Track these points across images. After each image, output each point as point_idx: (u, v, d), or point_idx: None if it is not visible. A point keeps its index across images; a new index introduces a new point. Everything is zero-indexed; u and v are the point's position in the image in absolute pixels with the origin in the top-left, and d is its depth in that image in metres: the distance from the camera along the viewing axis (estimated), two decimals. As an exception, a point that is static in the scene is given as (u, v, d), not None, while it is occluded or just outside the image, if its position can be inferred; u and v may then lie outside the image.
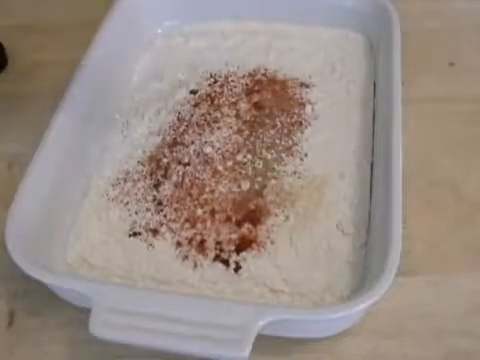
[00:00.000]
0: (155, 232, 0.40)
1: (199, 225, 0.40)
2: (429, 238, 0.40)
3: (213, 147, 0.44)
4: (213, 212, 0.40)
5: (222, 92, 0.49)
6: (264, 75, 0.50)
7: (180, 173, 0.43)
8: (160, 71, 0.51)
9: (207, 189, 0.42)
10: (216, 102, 0.48)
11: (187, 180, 0.42)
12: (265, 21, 0.54)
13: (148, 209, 0.41)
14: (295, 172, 0.42)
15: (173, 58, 0.52)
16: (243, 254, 0.38)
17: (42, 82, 0.52)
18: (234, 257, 0.38)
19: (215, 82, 0.49)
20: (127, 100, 0.49)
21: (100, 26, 0.48)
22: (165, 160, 0.44)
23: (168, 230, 0.40)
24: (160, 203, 0.41)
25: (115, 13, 0.50)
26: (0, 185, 0.44)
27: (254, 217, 0.40)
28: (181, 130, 0.46)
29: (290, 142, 0.44)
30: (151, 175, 0.43)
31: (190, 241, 0.39)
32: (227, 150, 0.44)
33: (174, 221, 0.40)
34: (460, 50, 0.53)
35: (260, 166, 0.43)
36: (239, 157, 0.43)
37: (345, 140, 0.44)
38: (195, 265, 0.38)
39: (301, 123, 0.46)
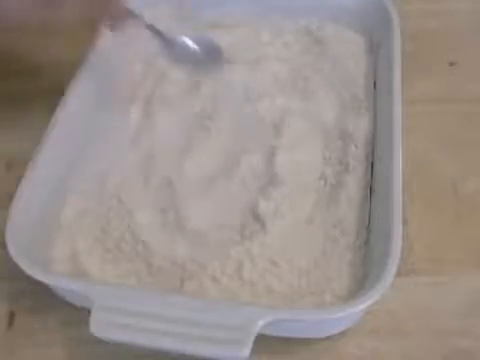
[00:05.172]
0: (155, 232, 0.40)
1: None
2: (429, 238, 0.40)
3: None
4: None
5: (223, 90, 0.49)
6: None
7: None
8: (160, 71, 0.51)
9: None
10: (217, 101, 0.48)
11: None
12: (265, 21, 0.54)
13: (148, 209, 0.41)
14: (295, 172, 0.43)
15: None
16: (243, 255, 0.38)
17: (42, 82, 0.52)
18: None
19: (215, 80, 0.50)
20: (127, 100, 0.49)
21: (100, 26, 0.48)
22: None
23: (168, 230, 0.40)
24: (160, 203, 0.41)
25: (115, 13, 0.50)
26: (0, 185, 0.44)
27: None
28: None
29: (290, 141, 0.44)
30: (151, 175, 0.43)
31: (190, 241, 0.39)
32: (225, 149, 0.44)
33: (174, 221, 0.40)
34: (460, 50, 0.53)
35: (261, 165, 0.43)
36: (241, 158, 0.43)
37: (345, 140, 0.45)
38: (195, 265, 0.38)
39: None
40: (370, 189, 0.41)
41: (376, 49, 0.51)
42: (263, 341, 0.31)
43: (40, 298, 0.38)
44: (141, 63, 0.52)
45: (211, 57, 0.47)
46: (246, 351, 0.30)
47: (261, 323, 0.31)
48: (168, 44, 0.44)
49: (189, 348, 0.31)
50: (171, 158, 0.44)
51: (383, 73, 0.46)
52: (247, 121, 0.46)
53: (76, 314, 0.36)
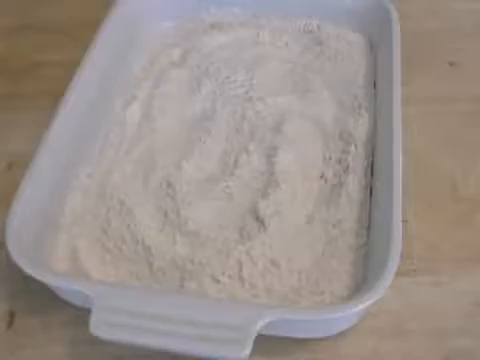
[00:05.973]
0: (155, 232, 0.40)
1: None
2: (429, 238, 0.40)
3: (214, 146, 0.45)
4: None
5: (223, 90, 0.49)
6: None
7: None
8: (160, 71, 0.51)
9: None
10: (217, 100, 0.48)
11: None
12: (265, 21, 0.54)
13: (148, 209, 0.41)
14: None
15: (173, 57, 0.52)
16: (243, 255, 0.38)
17: (42, 82, 0.52)
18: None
19: (216, 80, 0.50)
20: (127, 100, 0.49)
21: (100, 26, 0.48)
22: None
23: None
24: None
25: (115, 13, 0.50)
26: (0, 185, 0.44)
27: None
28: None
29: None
30: (151, 175, 0.43)
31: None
32: (225, 149, 0.44)
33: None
34: (460, 50, 0.53)
35: (261, 165, 0.43)
36: (241, 158, 0.43)
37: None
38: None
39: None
40: (370, 189, 0.41)
41: (376, 49, 0.51)
42: (263, 341, 0.31)
43: (40, 298, 0.38)
44: (141, 63, 0.52)
45: None
46: (246, 351, 0.30)
47: (261, 323, 0.31)
48: None
49: (189, 348, 0.30)
50: (171, 158, 0.44)
51: (383, 73, 0.46)
52: (247, 121, 0.46)
53: (76, 314, 0.36)
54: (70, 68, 0.45)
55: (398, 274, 0.32)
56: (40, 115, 0.43)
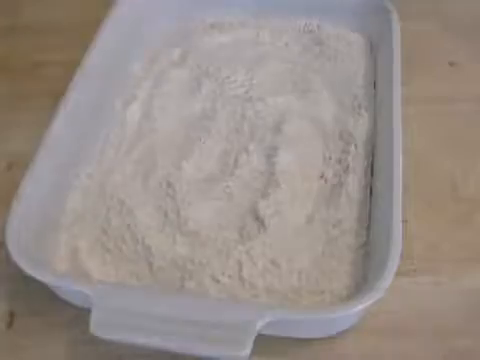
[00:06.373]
0: (155, 232, 0.40)
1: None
2: (429, 238, 0.40)
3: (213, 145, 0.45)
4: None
5: (223, 90, 0.49)
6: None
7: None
8: (160, 71, 0.51)
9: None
10: (217, 100, 0.48)
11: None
12: (265, 21, 0.54)
13: (148, 209, 0.41)
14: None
15: (173, 57, 0.52)
16: (243, 255, 0.38)
17: (42, 82, 0.52)
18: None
19: (215, 80, 0.50)
20: (127, 100, 0.49)
21: (100, 26, 0.48)
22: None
23: (168, 230, 0.40)
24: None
25: (115, 13, 0.50)
26: (0, 185, 0.44)
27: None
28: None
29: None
30: (151, 175, 0.43)
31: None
32: (225, 149, 0.44)
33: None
34: (460, 50, 0.53)
35: (261, 165, 0.43)
36: (241, 158, 0.43)
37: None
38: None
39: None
40: (370, 189, 0.41)
41: (376, 49, 0.51)
42: (263, 341, 0.31)
43: (40, 298, 0.38)
44: (141, 63, 0.52)
45: None
46: (246, 351, 0.30)
47: (261, 323, 0.31)
48: None
49: (189, 348, 0.30)
50: (171, 158, 0.44)
51: (383, 73, 0.46)
52: (247, 121, 0.46)
53: (76, 314, 0.36)
54: (70, 68, 0.45)
55: (398, 274, 0.32)
56: (40, 115, 0.43)
